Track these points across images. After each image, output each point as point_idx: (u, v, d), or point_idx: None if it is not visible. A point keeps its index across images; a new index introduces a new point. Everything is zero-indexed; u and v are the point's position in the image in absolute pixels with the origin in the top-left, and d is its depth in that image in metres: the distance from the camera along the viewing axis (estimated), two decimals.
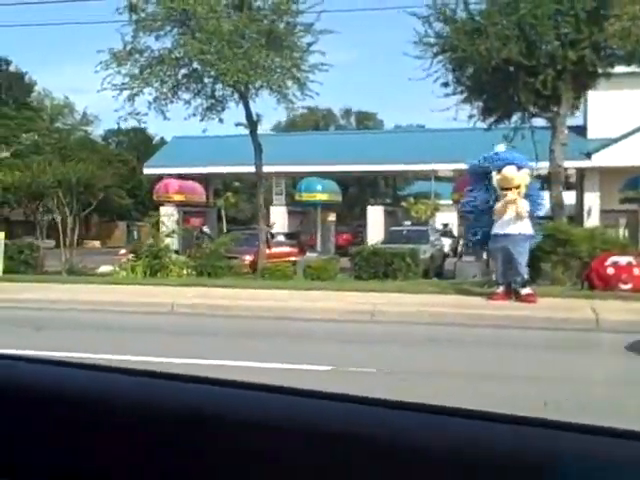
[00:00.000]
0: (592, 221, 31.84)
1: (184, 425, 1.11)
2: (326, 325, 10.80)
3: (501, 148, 14.71)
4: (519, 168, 13.53)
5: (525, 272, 13.14)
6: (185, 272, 18.91)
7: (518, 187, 13.29)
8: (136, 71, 19.96)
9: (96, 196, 20.95)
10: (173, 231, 21.13)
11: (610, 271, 14.11)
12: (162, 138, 53.58)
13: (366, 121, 70.39)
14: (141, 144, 56.36)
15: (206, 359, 7.31)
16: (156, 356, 7.02)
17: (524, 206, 13.15)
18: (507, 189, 13.25)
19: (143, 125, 36.75)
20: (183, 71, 20.39)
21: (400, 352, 8.80)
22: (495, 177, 13.44)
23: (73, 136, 44.37)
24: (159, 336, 9.75)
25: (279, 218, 36.36)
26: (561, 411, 5.75)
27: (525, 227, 13.17)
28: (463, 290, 14.32)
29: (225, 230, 39.43)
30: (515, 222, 13.09)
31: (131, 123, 42.93)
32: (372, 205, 38.93)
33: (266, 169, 35.02)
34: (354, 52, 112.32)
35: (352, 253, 19.66)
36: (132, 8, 19.90)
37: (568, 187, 43.86)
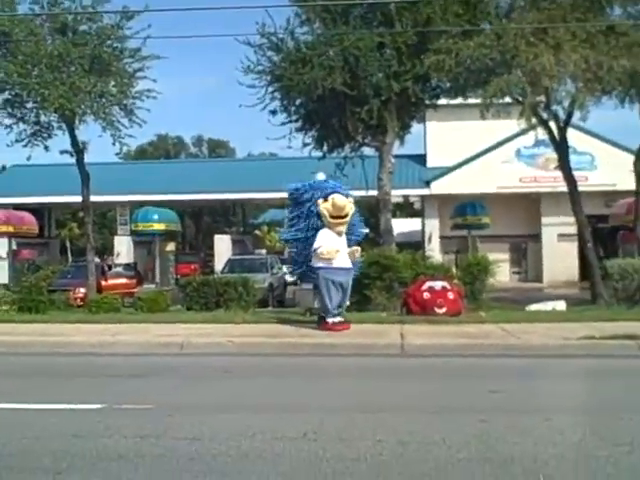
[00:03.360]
0: (433, 247, 32.89)
1: None
2: (125, 360, 10.40)
3: (321, 176, 14.69)
4: (344, 197, 13.45)
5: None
6: (4, 308, 17.88)
7: (346, 216, 13.18)
8: None
9: None
10: None
11: (426, 296, 14.44)
12: (4, 166, 51.14)
13: (218, 149, 70.19)
14: None
15: None
16: None
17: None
18: (338, 217, 13.05)
19: None
20: (3, 95, 19.48)
21: (185, 385, 8.56)
22: (322, 205, 13.12)
23: None
24: None
25: (124, 248, 35.40)
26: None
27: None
28: (283, 319, 14.26)
29: (70, 262, 38.12)
30: (346, 255, 13.03)
31: None
32: (220, 234, 38.62)
33: (109, 198, 34.42)
34: (211, 79, 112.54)
35: (182, 284, 19.20)
36: None
37: (414, 214, 45.54)
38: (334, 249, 12.71)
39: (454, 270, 19.64)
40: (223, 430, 6.11)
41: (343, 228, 13.07)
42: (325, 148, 22.09)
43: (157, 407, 7.09)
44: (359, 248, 13.61)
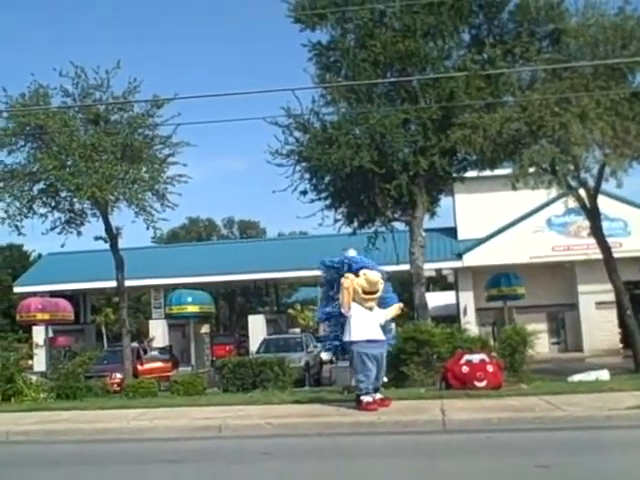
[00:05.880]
0: (469, 319, 32.49)
1: None
2: (163, 445, 10.28)
3: (352, 253, 14.65)
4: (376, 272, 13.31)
5: None
6: (42, 396, 17.91)
7: (378, 291, 13.02)
8: None
9: None
10: (19, 355, 19.97)
11: (465, 369, 14.17)
12: (40, 254, 52.18)
13: (249, 230, 70.89)
14: (17, 262, 54.65)
15: None
16: None
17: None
18: (370, 292, 12.91)
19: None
20: (39, 186, 19.97)
21: (225, 469, 8.41)
22: (354, 279, 12.93)
23: None
24: None
25: (159, 332, 35.57)
26: None
27: None
28: (321, 398, 14.05)
29: (106, 347, 38.25)
30: (379, 328, 12.83)
31: (4, 239, 41.95)
32: (254, 314, 38.62)
33: (143, 282, 34.76)
34: (244, 162, 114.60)
35: (218, 366, 19.13)
36: None
37: (447, 287, 45.21)
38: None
39: (492, 342, 19.36)
40: None
41: (374, 304, 12.93)
42: (355, 224, 22.19)
43: None
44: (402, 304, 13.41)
